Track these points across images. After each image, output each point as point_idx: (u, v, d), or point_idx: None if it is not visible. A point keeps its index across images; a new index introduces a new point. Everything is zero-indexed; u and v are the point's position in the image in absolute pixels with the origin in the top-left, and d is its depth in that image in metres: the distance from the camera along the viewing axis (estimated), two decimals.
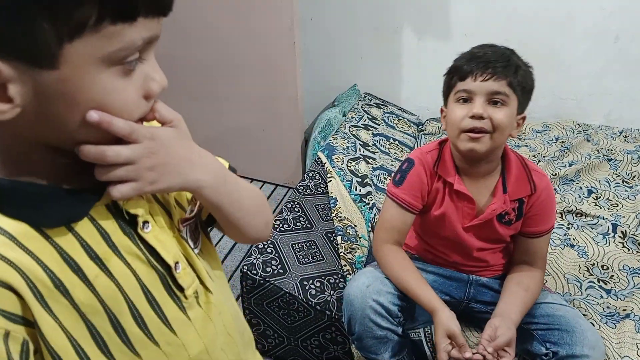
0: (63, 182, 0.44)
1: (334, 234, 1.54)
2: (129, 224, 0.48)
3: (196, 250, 0.55)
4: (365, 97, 2.40)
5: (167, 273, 0.51)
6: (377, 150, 2.04)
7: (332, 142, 1.96)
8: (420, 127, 2.36)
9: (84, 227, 0.45)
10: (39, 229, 0.42)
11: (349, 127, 2.11)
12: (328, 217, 1.62)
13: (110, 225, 0.47)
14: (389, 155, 2.04)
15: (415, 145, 2.21)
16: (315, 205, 1.65)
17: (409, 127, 2.32)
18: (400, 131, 2.26)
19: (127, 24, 0.38)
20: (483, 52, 1.04)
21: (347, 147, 1.96)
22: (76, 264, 0.44)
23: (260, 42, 2.01)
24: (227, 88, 2.19)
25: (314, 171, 1.82)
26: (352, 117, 2.19)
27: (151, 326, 0.50)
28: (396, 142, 2.16)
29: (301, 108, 2.14)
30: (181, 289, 0.52)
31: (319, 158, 1.88)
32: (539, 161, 2.00)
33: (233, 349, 0.62)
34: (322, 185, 1.75)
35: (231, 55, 2.09)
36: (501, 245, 1.15)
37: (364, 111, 2.27)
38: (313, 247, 1.49)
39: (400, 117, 2.35)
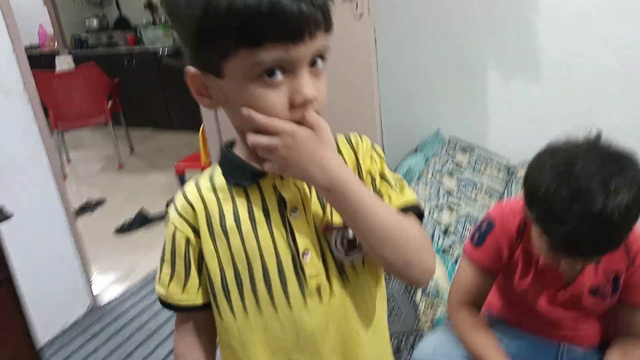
0: (253, 160, 0.60)
1: (414, 288, 1.45)
2: (285, 206, 0.61)
3: (346, 259, 0.62)
4: (449, 141, 2.31)
5: (297, 257, 0.61)
6: (463, 197, 1.93)
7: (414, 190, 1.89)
8: (511, 170, 2.21)
9: (254, 194, 0.61)
10: (230, 187, 0.62)
11: (432, 173, 2.03)
12: None
13: (272, 201, 0.61)
14: (476, 203, 1.92)
15: (506, 191, 2.06)
16: None
17: (499, 171, 2.18)
18: (489, 176, 2.13)
19: (256, 49, 0.51)
20: (582, 231, 0.78)
21: (430, 194, 1.88)
22: (238, 216, 0.61)
23: (340, 90, 2.04)
24: None
25: None
26: (435, 163, 2.11)
27: (274, 291, 0.61)
28: (484, 187, 2.03)
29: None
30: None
31: None
32: None
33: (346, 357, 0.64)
34: None
35: None
36: (597, 313, 1.00)
37: (449, 155, 2.18)
38: (391, 300, 1.42)
39: (488, 161, 2.22)
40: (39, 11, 4.80)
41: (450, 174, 2.06)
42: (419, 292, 1.42)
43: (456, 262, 1.58)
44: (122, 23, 4.85)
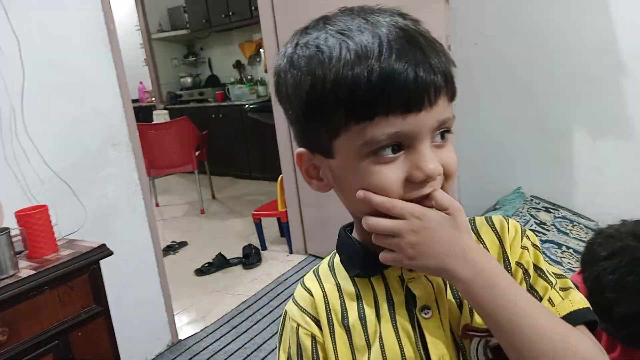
0: (374, 246, 0.49)
1: None
2: (414, 304, 0.50)
3: None
4: (531, 200, 2.24)
5: None
6: (547, 258, 1.83)
7: None
8: None
9: (379, 286, 0.52)
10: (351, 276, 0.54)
11: None
12: None
13: (398, 297, 0.51)
14: (561, 265, 1.82)
15: None
16: None
17: (587, 234, 2.06)
18: (575, 238, 2.02)
19: (368, 123, 0.45)
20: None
21: None
22: (364, 312, 0.52)
23: None
24: None
25: None
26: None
27: None
28: (570, 250, 1.92)
29: None
30: None
31: None
32: None
33: None
34: None
35: None
36: None
37: (530, 215, 2.11)
38: None
39: (575, 223, 2.11)
40: (140, 69, 5.35)
41: (533, 233, 1.98)
42: None
43: None
44: (213, 81, 5.29)
